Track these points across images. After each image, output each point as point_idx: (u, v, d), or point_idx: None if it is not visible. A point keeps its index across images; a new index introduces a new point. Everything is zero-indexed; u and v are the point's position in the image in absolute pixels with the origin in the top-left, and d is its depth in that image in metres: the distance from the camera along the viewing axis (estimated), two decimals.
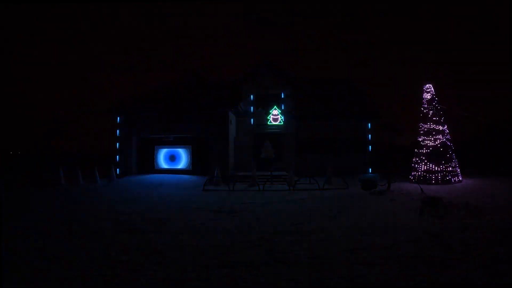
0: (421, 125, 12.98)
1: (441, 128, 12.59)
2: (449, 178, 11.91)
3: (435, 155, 12.14)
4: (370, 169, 15.94)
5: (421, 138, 12.77)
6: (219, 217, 7.08)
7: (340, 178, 11.93)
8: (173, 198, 9.45)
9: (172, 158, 15.11)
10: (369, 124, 16.47)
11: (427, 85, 13.15)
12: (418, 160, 12.50)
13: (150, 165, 15.18)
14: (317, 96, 17.71)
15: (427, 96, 13.04)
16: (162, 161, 15.20)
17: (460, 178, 12.30)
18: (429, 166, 12.17)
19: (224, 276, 3.84)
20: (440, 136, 12.45)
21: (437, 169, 12.03)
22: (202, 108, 14.34)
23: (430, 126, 12.68)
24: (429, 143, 12.47)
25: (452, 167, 12.18)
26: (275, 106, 16.44)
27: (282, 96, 16.48)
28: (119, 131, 15.15)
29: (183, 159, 15.00)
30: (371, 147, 16.36)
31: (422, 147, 12.24)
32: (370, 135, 16.46)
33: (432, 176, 11.96)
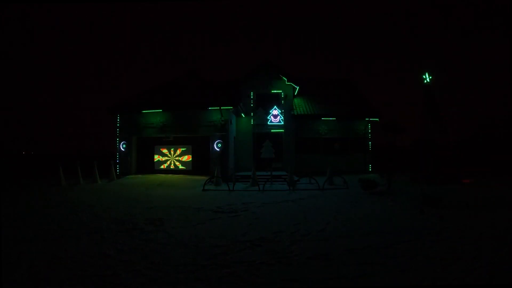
0: (421, 124, 12.99)
1: (441, 127, 12.59)
2: (449, 178, 11.89)
3: (435, 154, 12.15)
4: (370, 169, 15.95)
5: (422, 137, 12.79)
6: (219, 217, 7.07)
7: (340, 178, 11.92)
8: (173, 198, 9.44)
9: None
10: (369, 124, 16.49)
11: (426, 85, 13.15)
12: (419, 159, 12.50)
13: (150, 165, 15.18)
14: (317, 96, 17.73)
15: (427, 94, 13.03)
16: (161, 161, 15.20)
17: (461, 178, 12.29)
18: (430, 166, 12.16)
19: (224, 276, 3.84)
20: (440, 135, 12.45)
21: (438, 169, 12.02)
22: (202, 108, 14.34)
23: (430, 125, 12.69)
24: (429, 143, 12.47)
25: (453, 167, 12.17)
26: (275, 106, 16.44)
27: (282, 96, 16.49)
28: (119, 131, 15.15)
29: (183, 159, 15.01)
30: (371, 147, 16.37)
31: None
32: (370, 135, 16.48)
33: (432, 176, 11.95)
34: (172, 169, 14.94)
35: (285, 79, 16.45)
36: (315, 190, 10.82)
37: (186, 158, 14.97)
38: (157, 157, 15.21)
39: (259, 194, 10.35)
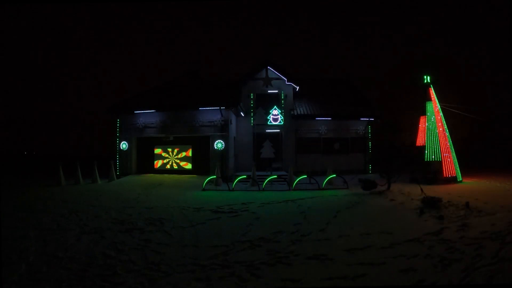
0: (421, 123, 13.00)
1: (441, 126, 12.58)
2: (449, 178, 11.89)
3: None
4: (370, 169, 15.95)
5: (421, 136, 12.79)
6: (219, 217, 7.08)
7: (340, 178, 11.92)
8: (173, 198, 9.44)
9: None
10: (369, 124, 16.49)
11: (427, 84, 13.13)
12: (418, 159, 12.48)
13: (150, 165, 15.18)
14: (317, 96, 17.72)
15: (427, 93, 13.03)
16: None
17: (460, 178, 12.28)
18: (430, 165, 12.15)
19: (224, 276, 3.84)
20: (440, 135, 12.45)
21: (437, 168, 12.01)
22: (202, 108, 14.34)
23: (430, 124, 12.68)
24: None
25: (452, 167, 12.16)
26: (275, 106, 16.43)
27: (282, 96, 16.48)
28: (119, 131, 15.15)
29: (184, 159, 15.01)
30: (371, 147, 16.37)
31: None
32: (370, 135, 16.47)
33: (432, 176, 11.94)
34: (172, 169, 14.94)
35: (285, 78, 16.44)
36: (315, 190, 10.82)
37: (186, 158, 14.97)
38: (157, 157, 15.21)
39: (259, 194, 10.36)
